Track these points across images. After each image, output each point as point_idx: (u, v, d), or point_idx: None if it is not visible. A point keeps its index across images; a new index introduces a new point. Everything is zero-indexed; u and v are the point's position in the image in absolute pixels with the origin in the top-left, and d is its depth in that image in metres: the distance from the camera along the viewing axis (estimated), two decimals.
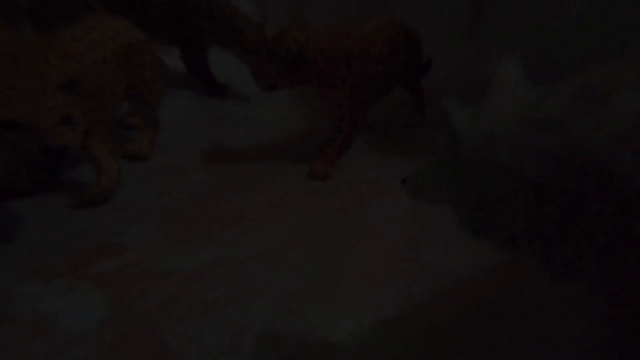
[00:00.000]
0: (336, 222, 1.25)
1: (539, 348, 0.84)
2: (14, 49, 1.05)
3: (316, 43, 1.39)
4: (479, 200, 0.62)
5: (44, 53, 1.07)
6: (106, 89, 1.28)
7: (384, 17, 1.71)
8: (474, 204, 0.63)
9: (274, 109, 1.99)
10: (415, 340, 0.87)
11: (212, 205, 1.31)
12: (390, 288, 1.00)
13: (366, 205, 1.34)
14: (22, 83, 0.97)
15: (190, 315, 0.93)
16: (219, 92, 2.08)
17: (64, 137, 0.99)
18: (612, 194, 0.52)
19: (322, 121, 1.71)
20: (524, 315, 0.91)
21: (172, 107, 1.88)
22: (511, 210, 0.59)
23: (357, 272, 1.06)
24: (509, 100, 0.62)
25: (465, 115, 0.64)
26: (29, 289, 0.99)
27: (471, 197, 0.64)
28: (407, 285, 1.01)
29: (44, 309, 0.93)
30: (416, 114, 1.87)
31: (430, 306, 0.95)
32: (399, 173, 1.48)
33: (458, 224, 0.69)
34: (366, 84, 1.49)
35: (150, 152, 1.54)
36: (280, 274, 1.05)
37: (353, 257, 1.11)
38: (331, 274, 1.05)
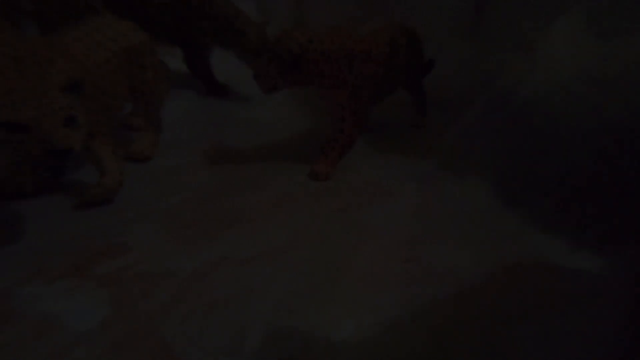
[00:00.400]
0: (337, 222, 1.25)
1: (540, 348, 0.84)
2: (17, 50, 1.05)
3: (317, 44, 1.39)
4: (522, 162, 0.57)
5: (47, 55, 1.08)
6: (109, 91, 1.29)
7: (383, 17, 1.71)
8: (516, 167, 0.59)
9: (275, 110, 1.99)
10: (415, 340, 0.87)
11: (213, 206, 1.32)
12: (391, 288, 1.01)
13: (367, 205, 1.34)
14: (25, 85, 0.98)
15: (191, 315, 0.94)
16: (220, 93, 2.09)
17: (67, 139, 1.00)
18: None
19: (323, 122, 1.71)
20: (525, 316, 0.91)
21: (173, 107, 1.88)
22: (562, 170, 0.54)
23: (358, 272, 1.06)
24: (569, 53, 0.58)
25: (519, 64, 0.60)
26: (32, 289, 0.99)
27: (515, 159, 0.59)
28: (408, 286, 1.01)
29: (46, 309, 0.94)
30: (418, 115, 1.87)
31: (430, 306, 0.95)
32: (401, 173, 1.49)
33: (492, 193, 0.65)
34: (367, 84, 1.49)
35: (153, 153, 1.55)
36: (281, 274, 1.05)
37: (354, 258, 1.11)
38: (332, 275, 1.05)
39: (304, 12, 2.61)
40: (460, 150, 0.70)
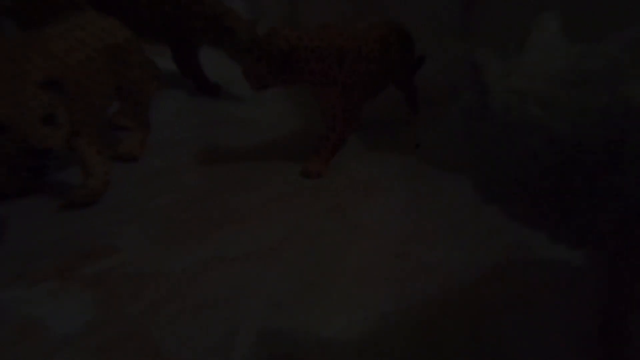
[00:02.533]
0: (329, 220, 1.24)
1: (526, 339, 0.85)
2: None
3: (307, 41, 1.38)
4: (502, 160, 0.60)
5: (26, 52, 1.05)
6: (93, 89, 1.26)
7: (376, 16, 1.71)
8: (496, 165, 0.61)
9: (267, 109, 1.98)
10: (406, 334, 0.87)
11: (204, 206, 1.30)
12: (382, 284, 1.00)
13: (359, 203, 1.33)
14: (2, 82, 0.95)
15: (181, 315, 0.92)
16: (211, 92, 2.07)
17: (46, 138, 0.97)
18: None
19: (316, 120, 1.70)
20: (511, 308, 0.92)
21: (164, 107, 1.86)
22: (537, 170, 0.56)
23: (350, 269, 1.05)
24: (545, 56, 0.60)
25: (499, 68, 0.61)
26: (15, 292, 0.96)
27: (494, 157, 0.61)
28: (399, 281, 1.01)
29: (30, 313, 0.91)
30: (409, 111, 1.87)
31: (422, 301, 0.95)
32: (394, 170, 1.49)
33: (472, 188, 0.67)
34: (358, 82, 1.48)
35: (141, 153, 1.52)
36: (272, 273, 1.04)
37: (346, 255, 1.10)
38: (325, 272, 1.04)
39: (295, 11, 2.60)
40: (443, 149, 0.73)
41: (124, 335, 0.87)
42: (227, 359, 0.83)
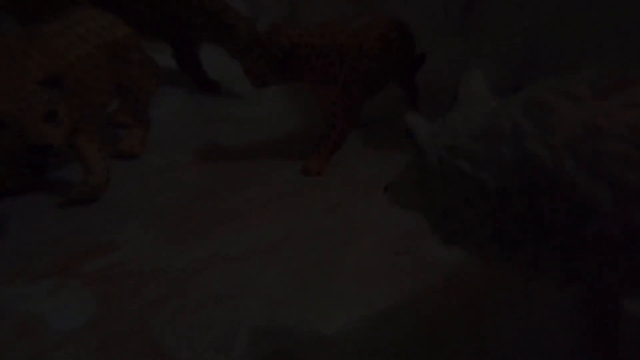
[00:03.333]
0: (330, 218, 1.24)
1: (526, 336, 0.86)
2: None
3: (308, 39, 1.38)
4: (447, 207, 0.66)
5: (25, 48, 1.05)
6: (92, 86, 1.26)
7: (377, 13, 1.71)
8: (443, 211, 0.67)
9: (267, 107, 1.98)
10: (406, 332, 0.87)
11: (204, 203, 1.30)
12: (383, 282, 1.00)
13: (361, 201, 1.33)
14: (2, 79, 0.95)
15: (181, 312, 0.92)
16: (211, 90, 2.07)
17: (47, 135, 0.97)
18: (562, 198, 0.56)
19: (316, 118, 1.70)
20: (512, 306, 0.92)
21: (164, 105, 1.86)
22: (477, 216, 0.63)
23: (350, 266, 1.05)
24: (471, 113, 0.67)
25: (429, 128, 0.68)
26: (15, 289, 0.96)
27: (440, 204, 0.67)
28: (399, 279, 1.01)
29: (31, 309, 0.91)
30: (409, 110, 1.87)
31: (422, 299, 0.95)
32: (394, 169, 1.49)
33: (431, 230, 0.74)
34: (359, 79, 1.48)
35: (141, 151, 1.52)
36: (272, 271, 1.04)
37: (347, 252, 1.10)
38: (325, 269, 1.04)
39: (295, 10, 2.60)
40: (403, 195, 0.82)
41: (125, 332, 0.87)
42: (227, 356, 0.83)
